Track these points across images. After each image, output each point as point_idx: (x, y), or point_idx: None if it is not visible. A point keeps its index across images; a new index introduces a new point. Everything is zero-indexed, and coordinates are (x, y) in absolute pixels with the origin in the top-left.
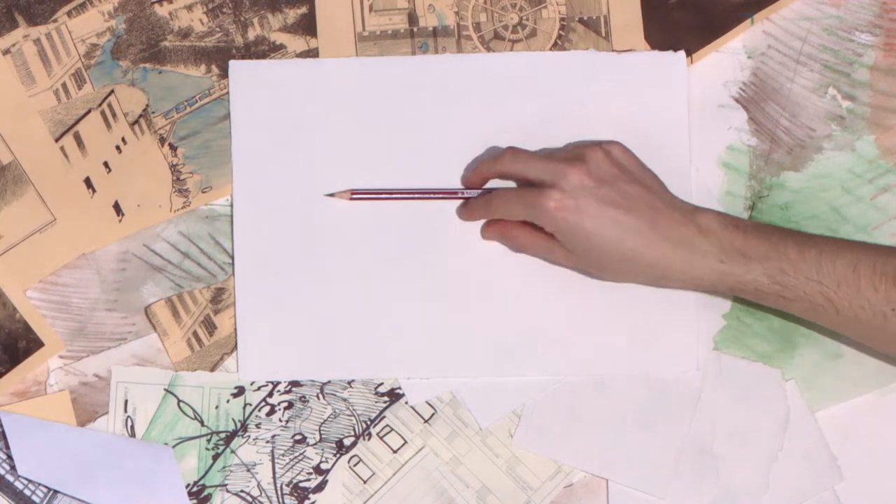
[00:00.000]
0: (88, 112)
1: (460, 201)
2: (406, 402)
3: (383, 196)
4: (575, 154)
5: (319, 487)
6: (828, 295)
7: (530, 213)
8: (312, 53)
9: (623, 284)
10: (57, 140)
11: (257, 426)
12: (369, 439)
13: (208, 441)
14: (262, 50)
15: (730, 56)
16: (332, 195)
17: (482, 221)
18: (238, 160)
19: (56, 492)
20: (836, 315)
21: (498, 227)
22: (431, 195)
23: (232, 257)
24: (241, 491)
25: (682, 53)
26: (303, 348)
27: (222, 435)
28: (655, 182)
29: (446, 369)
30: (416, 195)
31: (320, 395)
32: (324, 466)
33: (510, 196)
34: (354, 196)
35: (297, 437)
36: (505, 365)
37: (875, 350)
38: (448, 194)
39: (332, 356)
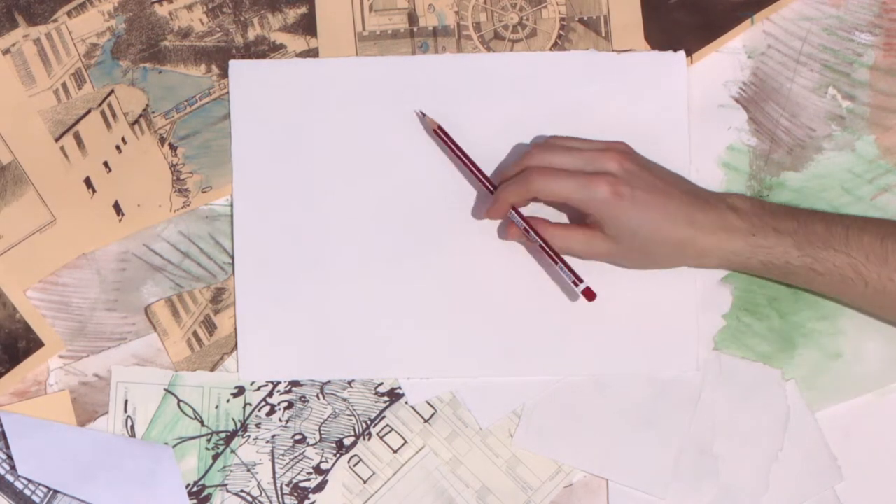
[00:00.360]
0: (88, 112)
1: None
2: (406, 402)
3: (457, 152)
4: (600, 147)
5: (319, 487)
6: (857, 267)
7: (582, 194)
8: (312, 53)
9: (622, 285)
10: (57, 140)
11: (257, 426)
12: (369, 439)
13: (208, 441)
14: (262, 50)
15: (730, 56)
16: (424, 115)
17: (485, 228)
18: (238, 160)
19: (56, 492)
20: (864, 287)
21: (529, 221)
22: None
23: (232, 257)
24: (241, 491)
25: (681, 54)
26: (303, 348)
27: (222, 435)
28: (674, 173)
29: (446, 369)
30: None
31: (320, 395)
32: (324, 466)
33: (557, 173)
34: (437, 130)
35: (297, 437)
36: (505, 365)
37: None
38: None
39: (332, 356)
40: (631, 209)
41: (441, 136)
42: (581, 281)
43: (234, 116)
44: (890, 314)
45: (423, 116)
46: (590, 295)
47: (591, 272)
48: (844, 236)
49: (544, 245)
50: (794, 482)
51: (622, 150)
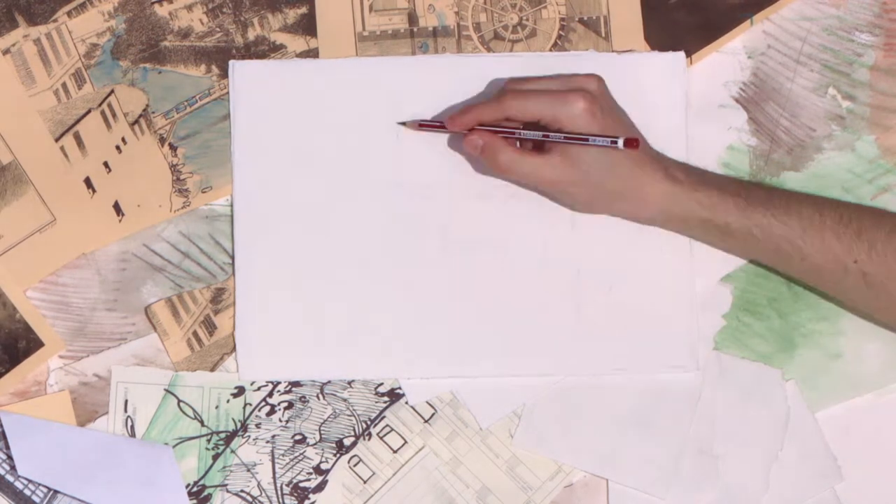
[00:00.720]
0: (88, 112)
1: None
2: (406, 402)
3: (443, 127)
4: (574, 77)
5: (319, 487)
6: (793, 239)
7: (557, 110)
8: (312, 53)
9: (621, 285)
10: (57, 140)
11: (257, 426)
12: (369, 439)
13: (208, 441)
14: (262, 50)
15: (730, 56)
16: (403, 123)
17: (485, 228)
18: (238, 160)
19: (56, 492)
20: (801, 262)
21: (485, 136)
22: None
23: (232, 257)
24: (241, 491)
25: (681, 54)
26: (303, 348)
27: (222, 435)
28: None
29: (446, 369)
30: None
31: (320, 395)
32: (324, 466)
33: (532, 93)
34: (422, 126)
35: (297, 437)
36: (505, 365)
37: (837, 303)
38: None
39: (332, 356)
40: (598, 132)
41: (427, 126)
42: (616, 137)
43: (234, 116)
44: (827, 290)
45: (403, 125)
46: (633, 143)
47: (591, 276)
48: (785, 205)
49: (549, 136)
50: (794, 482)
51: (598, 77)
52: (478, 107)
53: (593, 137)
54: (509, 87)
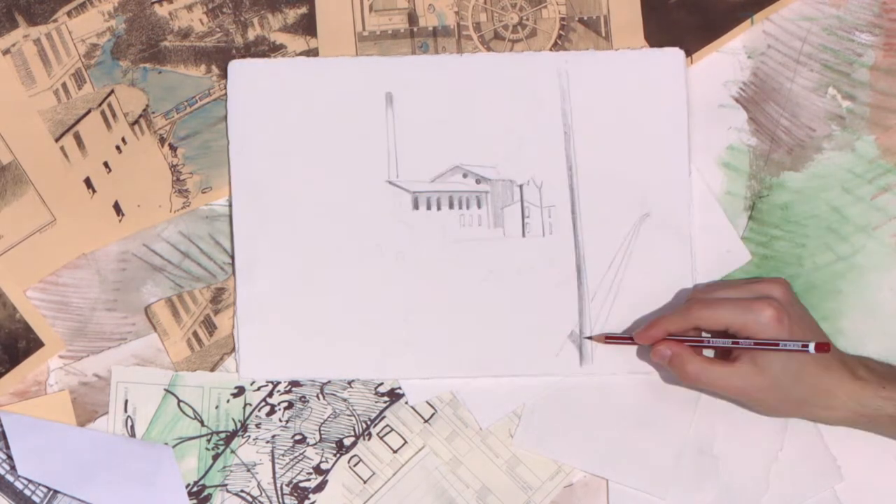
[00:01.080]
0: (88, 112)
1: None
2: (406, 402)
3: (627, 342)
4: (762, 280)
5: (319, 487)
6: None
7: (745, 318)
8: (312, 53)
9: (622, 286)
10: (57, 140)
11: (257, 426)
12: (369, 439)
13: (208, 441)
14: (262, 50)
15: (730, 56)
16: (590, 338)
17: (485, 228)
18: (236, 160)
19: (56, 492)
20: None
21: (673, 346)
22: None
23: (232, 257)
24: (241, 491)
25: (680, 51)
26: (303, 348)
27: (222, 435)
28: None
29: (446, 370)
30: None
31: (320, 395)
32: (324, 466)
33: (719, 301)
34: (609, 340)
35: (297, 437)
36: (505, 365)
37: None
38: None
39: (332, 356)
40: (787, 338)
41: (614, 339)
42: (807, 342)
43: (231, 116)
44: None
45: (590, 339)
46: (823, 347)
47: (592, 277)
48: None
49: (739, 343)
50: (794, 482)
51: (784, 282)
52: (665, 318)
53: (783, 342)
54: (696, 296)
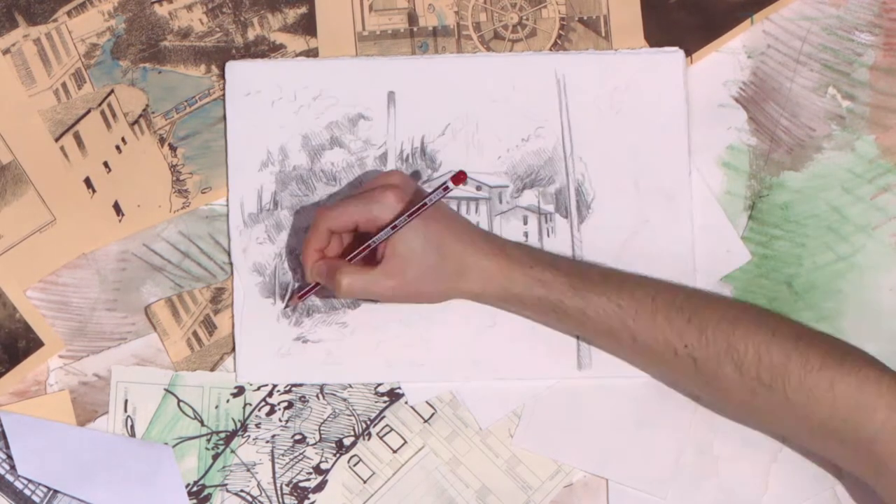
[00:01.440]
0: (88, 112)
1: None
2: (406, 402)
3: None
4: (376, 178)
5: (319, 487)
6: (625, 320)
7: (370, 210)
8: (312, 53)
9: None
10: (57, 140)
11: (257, 426)
12: (369, 439)
13: (208, 441)
14: (262, 50)
15: (730, 56)
16: (287, 305)
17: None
18: (233, 160)
19: (56, 492)
20: (632, 342)
21: (327, 262)
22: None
23: (230, 258)
24: (241, 491)
25: (680, 51)
26: (301, 351)
27: (222, 435)
28: None
29: (446, 373)
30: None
31: (320, 395)
32: (324, 466)
33: (341, 202)
34: (300, 296)
35: (297, 437)
36: (503, 370)
37: (667, 384)
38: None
39: (331, 359)
40: (418, 221)
41: (304, 294)
42: (443, 184)
43: (229, 117)
44: (657, 374)
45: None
46: (460, 176)
47: None
48: (619, 286)
49: (397, 225)
50: (794, 482)
51: (400, 172)
52: (305, 240)
53: (428, 200)
54: (318, 209)
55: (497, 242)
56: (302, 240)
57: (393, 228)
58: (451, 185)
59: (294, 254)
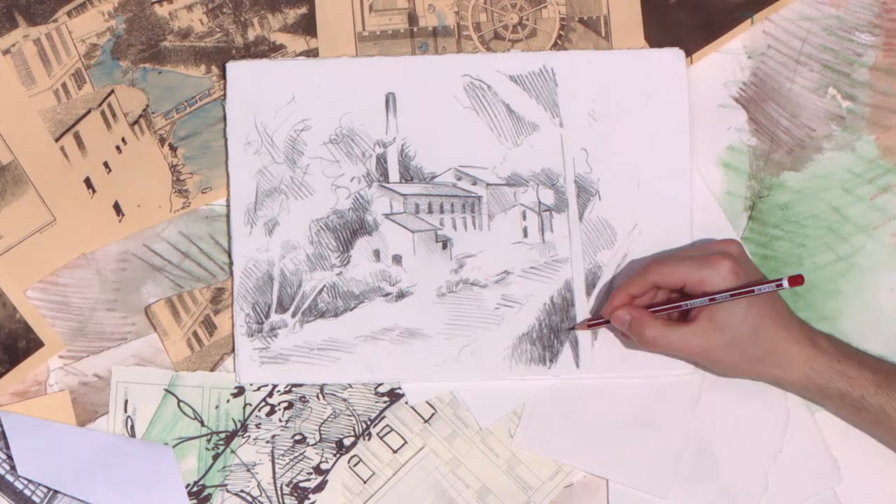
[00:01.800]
0: (88, 112)
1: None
2: (406, 402)
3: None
4: (713, 244)
5: (319, 487)
6: None
7: (702, 272)
8: (312, 53)
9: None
10: (57, 140)
11: (257, 426)
12: (369, 439)
13: (208, 441)
14: (262, 50)
15: (730, 56)
16: (572, 328)
17: (485, 229)
18: (234, 161)
19: (56, 492)
20: None
21: (632, 311)
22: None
23: (230, 258)
24: (241, 491)
25: (680, 51)
26: (302, 351)
27: (222, 435)
28: None
29: (446, 373)
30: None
31: (320, 395)
32: (324, 466)
33: (675, 258)
34: (590, 324)
35: (297, 437)
36: (501, 369)
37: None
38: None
39: (331, 360)
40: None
41: (594, 324)
42: (779, 280)
43: (229, 117)
44: None
45: (571, 329)
46: (797, 279)
47: (591, 277)
48: None
49: (716, 298)
50: (794, 482)
51: (737, 241)
52: (625, 283)
53: (758, 287)
54: (652, 259)
55: (808, 331)
56: (302, 239)
57: (711, 300)
58: (785, 284)
59: (295, 253)
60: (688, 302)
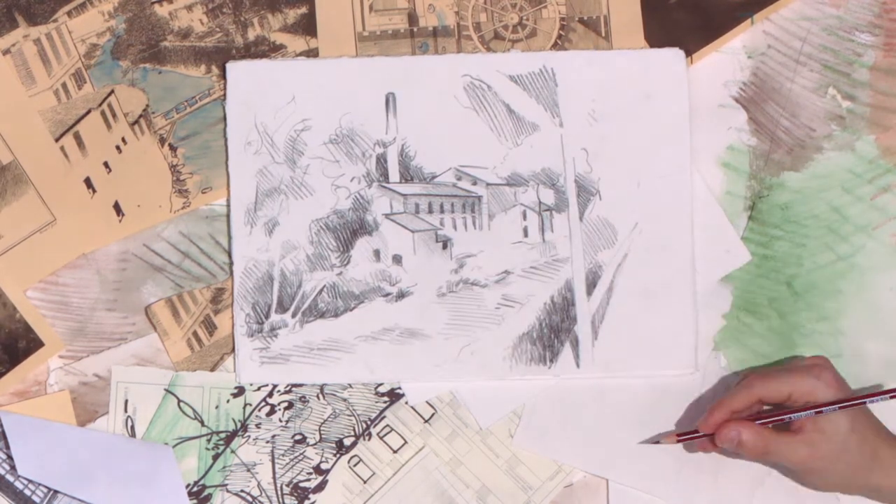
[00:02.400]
0: (88, 112)
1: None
2: (406, 402)
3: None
4: (804, 359)
5: (319, 487)
6: None
7: (807, 383)
8: (312, 53)
9: (621, 286)
10: (57, 140)
11: (257, 426)
12: (369, 439)
13: (208, 441)
14: (262, 50)
15: (730, 56)
16: (657, 441)
17: (484, 230)
18: (234, 161)
19: (56, 492)
20: None
21: (740, 426)
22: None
23: (230, 258)
24: (241, 491)
25: (680, 51)
26: (302, 351)
27: (222, 435)
28: None
29: (446, 373)
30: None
31: (320, 395)
32: (324, 466)
33: (777, 371)
34: (679, 438)
35: (297, 437)
36: (502, 369)
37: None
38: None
39: (330, 360)
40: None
41: (684, 437)
42: (893, 389)
43: (229, 117)
44: None
45: (657, 442)
46: None
47: (591, 277)
48: None
49: (822, 410)
50: (794, 482)
51: (824, 357)
52: (726, 399)
53: (868, 400)
54: (750, 373)
55: (891, 433)
56: (302, 239)
57: (817, 413)
58: None
59: (295, 253)
60: (792, 414)
